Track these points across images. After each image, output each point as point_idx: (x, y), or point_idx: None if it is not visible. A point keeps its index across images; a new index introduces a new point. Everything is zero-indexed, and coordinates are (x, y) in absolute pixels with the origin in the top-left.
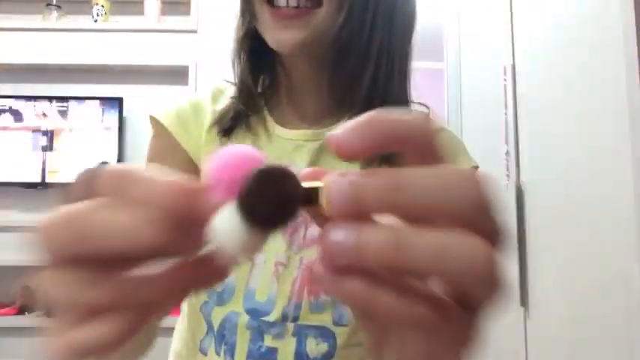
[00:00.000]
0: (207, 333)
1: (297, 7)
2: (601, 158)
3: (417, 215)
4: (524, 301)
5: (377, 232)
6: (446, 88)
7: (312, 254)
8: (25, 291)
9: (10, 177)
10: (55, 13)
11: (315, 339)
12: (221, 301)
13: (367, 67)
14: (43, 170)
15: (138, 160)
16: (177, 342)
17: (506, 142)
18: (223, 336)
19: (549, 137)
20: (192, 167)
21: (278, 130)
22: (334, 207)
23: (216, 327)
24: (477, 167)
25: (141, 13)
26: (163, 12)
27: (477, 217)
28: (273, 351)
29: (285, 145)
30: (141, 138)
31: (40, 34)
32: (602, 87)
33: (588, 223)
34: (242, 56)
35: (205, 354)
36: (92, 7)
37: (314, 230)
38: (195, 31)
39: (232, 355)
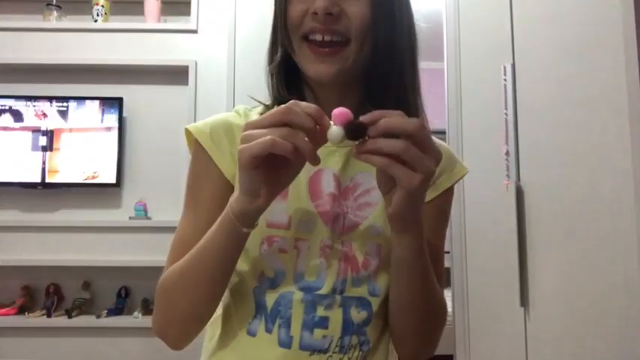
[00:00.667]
0: (255, 315)
1: (331, 41)
2: (601, 158)
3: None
4: (524, 301)
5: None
6: (446, 88)
7: (350, 238)
8: (25, 291)
9: (10, 177)
10: (55, 14)
11: (356, 308)
12: (274, 285)
13: (390, 91)
14: (43, 170)
15: (137, 159)
16: (213, 329)
17: (507, 142)
18: (278, 312)
19: (549, 137)
20: (226, 185)
21: None
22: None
23: (270, 307)
24: (467, 171)
25: (141, 13)
26: (163, 12)
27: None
28: (325, 319)
29: (321, 152)
30: (141, 138)
31: (40, 35)
32: (603, 87)
33: (588, 223)
34: (278, 79)
35: (254, 335)
36: (92, 8)
37: (349, 220)
38: (195, 31)
39: (288, 327)
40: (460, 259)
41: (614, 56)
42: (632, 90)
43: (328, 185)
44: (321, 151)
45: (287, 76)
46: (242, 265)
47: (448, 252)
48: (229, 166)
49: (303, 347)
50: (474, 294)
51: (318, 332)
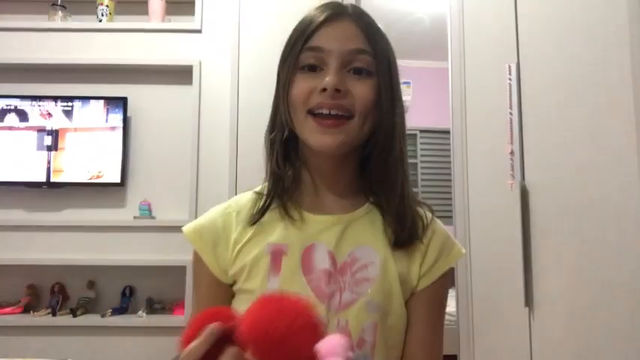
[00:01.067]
0: None
1: (336, 115)
2: (607, 158)
3: None
4: (528, 301)
5: None
6: (450, 88)
7: (347, 315)
8: (31, 290)
9: (15, 176)
10: (60, 14)
11: None
12: None
13: (389, 169)
14: (48, 170)
15: (142, 159)
16: None
17: (511, 142)
18: None
19: (554, 137)
20: (216, 279)
21: (306, 215)
22: None
23: None
24: (464, 254)
25: (145, 13)
26: (168, 12)
27: None
28: None
29: (315, 227)
30: (145, 138)
31: (45, 34)
32: (608, 86)
33: (594, 223)
34: (278, 152)
35: None
36: (97, 7)
37: (347, 297)
38: (199, 31)
39: None
40: (464, 259)
41: (621, 56)
42: (638, 89)
43: (322, 261)
44: (315, 227)
45: (285, 152)
46: None
47: None
48: (213, 265)
49: None
50: (478, 294)
51: None
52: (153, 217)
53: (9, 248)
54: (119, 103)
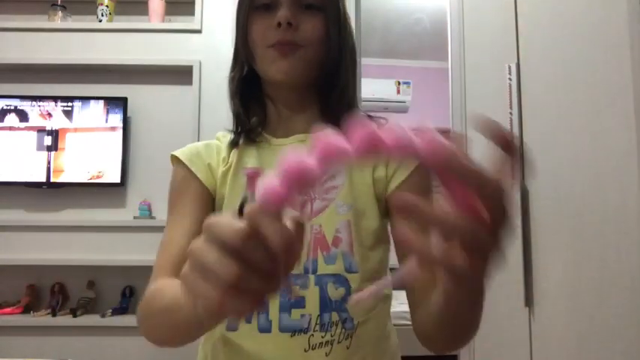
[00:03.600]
0: None
1: (291, 43)
2: (606, 158)
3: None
4: (528, 301)
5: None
6: (450, 88)
7: (319, 221)
8: (31, 290)
9: (15, 177)
10: (60, 14)
11: (333, 284)
12: None
13: (343, 91)
14: (48, 170)
15: (142, 159)
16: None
17: None
18: None
19: (554, 137)
20: (206, 191)
21: (274, 140)
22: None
23: None
24: None
25: (145, 13)
26: (168, 12)
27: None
28: (301, 300)
29: (285, 141)
30: (145, 138)
31: (45, 35)
32: (608, 86)
33: (593, 223)
34: (238, 96)
35: (234, 329)
36: (97, 8)
37: (317, 205)
38: (199, 31)
39: (267, 314)
40: None
41: (621, 56)
42: (638, 89)
43: None
44: (284, 145)
45: (248, 95)
46: None
47: None
48: (207, 177)
49: (282, 329)
50: None
51: (296, 312)
52: (153, 218)
53: (9, 248)
54: (119, 103)
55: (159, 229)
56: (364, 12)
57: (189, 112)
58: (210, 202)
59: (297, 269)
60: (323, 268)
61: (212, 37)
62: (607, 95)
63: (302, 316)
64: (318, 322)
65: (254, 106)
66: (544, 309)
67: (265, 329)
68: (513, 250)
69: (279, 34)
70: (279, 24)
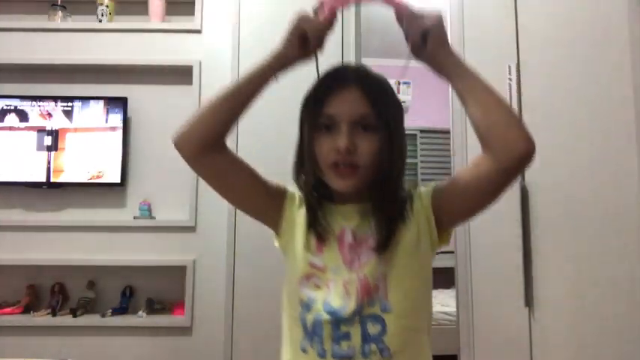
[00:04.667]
0: (304, 336)
1: (349, 165)
2: (606, 158)
3: None
4: (529, 301)
5: None
6: (450, 88)
7: (364, 271)
8: (31, 290)
9: (15, 177)
10: (60, 14)
11: (372, 323)
12: (308, 308)
13: (394, 188)
14: (48, 170)
15: (142, 159)
16: (285, 354)
17: None
18: (315, 332)
19: (554, 137)
20: (271, 189)
21: (337, 210)
22: None
23: (310, 329)
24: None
25: (145, 13)
26: (168, 12)
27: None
28: (347, 334)
29: (343, 214)
30: (145, 137)
31: (45, 35)
32: (608, 86)
33: (593, 223)
34: (307, 185)
35: (305, 351)
36: (97, 8)
37: (365, 258)
38: (199, 31)
39: (322, 343)
40: (464, 259)
41: (620, 56)
42: (637, 89)
43: (348, 237)
44: (343, 211)
45: (314, 182)
46: (290, 294)
47: (452, 252)
48: (288, 204)
49: (334, 356)
50: (478, 294)
51: (344, 344)
52: (153, 218)
53: (9, 248)
54: (119, 103)
55: (159, 229)
56: (364, 12)
57: (189, 111)
58: (267, 191)
59: (349, 312)
60: (366, 310)
61: (212, 37)
62: (607, 95)
63: (348, 347)
64: (360, 351)
65: (319, 191)
66: (544, 309)
67: (322, 355)
68: (513, 250)
69: (339, 157)
70: (339, 150)
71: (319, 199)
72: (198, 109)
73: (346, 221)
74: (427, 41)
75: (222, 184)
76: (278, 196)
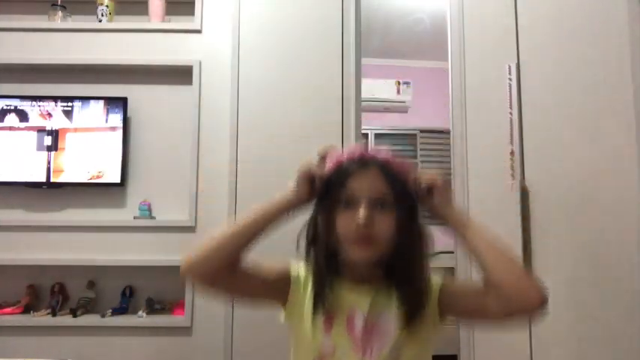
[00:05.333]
0: None
1: (368, 237)
2: (606, 158)
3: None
4: None
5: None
6: (450, 88)
7: (377, 358)
8: (31, 290)
9: (15, 177)
10: (59, 14)
11: None
12: None
13: (405, 271)
14: (48, 170)
15: (142, 159)
16: None
17: (511, 142)
18: None
19: (554, 137)
20: (280, 278)
21: (347, 288)
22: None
23: None
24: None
25: (145, 13)
26: (168, 12)
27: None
28: None
29: (354, 294)
30: (145, 137)
31: (45, 35)
32: (608, 86)
33: (593, 223)
34: (320, 260)
35: None
36: (97, 8)
37: (376, 349)
38: (199, 31)
39: None
40: (464, 259)
41: (620, 55)
42: (637, 89)
43: (359, 322)
44: (353, 294)
45: (327, 257)
46: None
47: (452, 252)
48: (295, 285)
49: None
50: None
51: None
52: (153, 218)
53: (9, 248)
54: (119, 103)
55: (159, 229)
56: (364, 12)
57: (189, 111)
58: (275, 281)
59: None
60: None
61: (212, 37)
62: (607, 95)
63: None
64: None
65: (330, 267)
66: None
67: None
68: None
69: (359, 231)
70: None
71: (330, 275)
72: (206, 243)
73: (357, 302)
74: (433, 194)
75: (230, 296)
76: (283, 285)
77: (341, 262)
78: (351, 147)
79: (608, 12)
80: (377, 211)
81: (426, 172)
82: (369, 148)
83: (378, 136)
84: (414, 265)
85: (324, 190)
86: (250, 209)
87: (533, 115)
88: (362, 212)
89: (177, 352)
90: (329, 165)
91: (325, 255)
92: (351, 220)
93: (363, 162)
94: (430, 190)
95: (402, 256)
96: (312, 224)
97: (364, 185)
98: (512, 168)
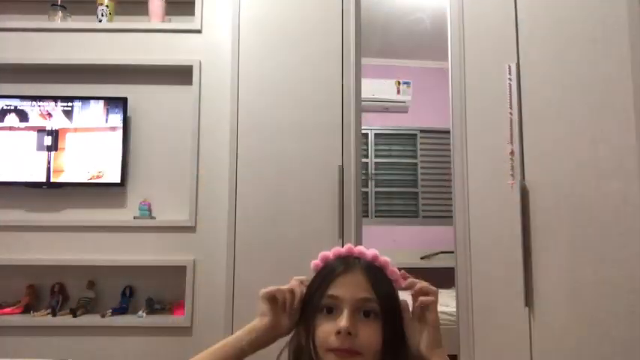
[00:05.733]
0: None
1: (349, 350)
2: (607, 157)
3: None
4: (528, 301)
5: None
6: (450, 88)
7: None
8: (31, 290)
9: (15, 177)
10: (60, 14)
11: None
12: None
13: None
14: (48, 170)
15: (142, 159)
16: None
17: (511, 142)
18: None
19: (554, 137)
20: None
21: None
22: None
23: None
24: None
25: (145, 13)
26: (168, 12)
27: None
28: None
29: None
30: (145, 137)
31: (45, 35)
32: (608, 85)
33: (594, 223)
34: None
35: None
36: (97, 8)
37: None
38: (199, 31)
39: None
40: (464, 259)
41: (620, 55)
42: (638, 89)
43: None
44: None
45: None
46: None
47: (452, 252)
48: None
49: None
50: (477, 294)
51: None
52: (153, 218)
53: (9, 248)
54: (119, 103)
55: (159, 229)
56: (364, 12)
57: (189, 112)
58: None
59: None
60: None
61: (212, 37)
62: (607, 95)
63: None
64: None
65: None
66: (544, 309)
67: None
68: (513, 250)
69: (339, 341)
70: (339, 332)
71: None
72: None
73: None
74: (424, 315)
75: None
76: None
77: None
78: (336, 248)
79: (608, 12)
80: (360, 320)
81: (414, 282)
82: (355, 248)
83: (378, 136)
84: None
85: (307, 300)
86: (217, 347)
87: (533, 115)
88: (344, 321)
89: (178, 352)
90: (314, 266)
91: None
92: (331, 329)
93: (347, 264)
94: (423, 309)
95: None
96: (296, 336)
97: (348, 289)
98: (512, 168)
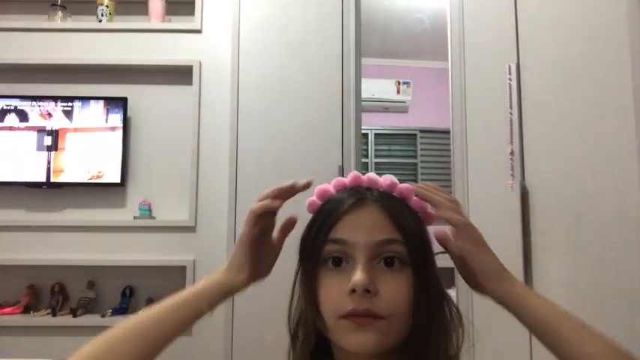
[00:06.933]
0: None
1: (370, 314)
2: (606, 158)
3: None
4: None
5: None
6: (450, 88)
7: None
8: (31, 290)
9: (15, 177)
10: (60, 14)
11: None
12: None
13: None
14: (48, 170)
15: (142, 159)
16: None
17: (511, 142)
18: None
19: (554, 137)
20: None
21: None
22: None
23: None
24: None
25: (145, 13)
26: (168, 12)
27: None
28: None
29: None
30: (145, 137)
31: (45, 35)
32: (608, 86)
33: (593, 224)
34: (304, 351)
35: None
36: (97, 8)
37: None
38: (199, 31)
39: None
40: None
41: (620, 55)
42: (638, 89)
43: None
44: None
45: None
46: None
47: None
48: None
49: None
50: (477, 294)
51: None
52: (153, 218)
53: (9, 248)
54: (119, 103)
55: (159, 229)
56: (364, 12)
57: (189, 111)
58: None
59: None
60: None
61: (212, 37)
62: (607, 95)
63: None
64: None
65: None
66: None
67: None
68: (513, 250)
69: (353, 302)
70: (354, 290)
71: None
72: (95, 344)
73: None
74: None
75: None
76: None
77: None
78: (339, 179)
79: (608, 12)
80: (380, 272)
81: (448, 205)
82: (364, 177)
83: (378, 136)
84: (440, 354)
85: (304, 246)
86: (164, 301)
87: (533, 115)
88: (359, 274)
89: (177, 352)
90: (309, 205)
91: (310, 344)
92: (342, 289)
93: (355, 196)
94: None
95: (421, 340)
96: (294, 304)
97: (360, 231)
98: (512, 168)
